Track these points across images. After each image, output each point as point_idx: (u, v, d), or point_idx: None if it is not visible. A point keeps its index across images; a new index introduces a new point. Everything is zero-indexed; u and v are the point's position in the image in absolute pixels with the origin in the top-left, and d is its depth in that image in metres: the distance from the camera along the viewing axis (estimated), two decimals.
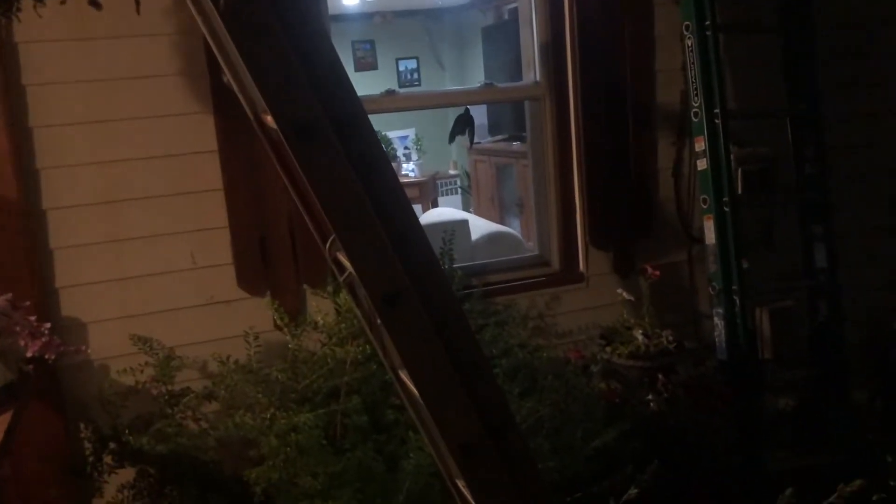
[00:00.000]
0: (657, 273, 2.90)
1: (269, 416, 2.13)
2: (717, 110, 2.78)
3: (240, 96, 1.48)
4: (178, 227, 2.69)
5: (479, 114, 7.09)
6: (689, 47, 2.83)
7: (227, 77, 1.46)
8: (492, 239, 3.78)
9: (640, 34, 3.11)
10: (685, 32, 2.84)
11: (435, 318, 1.32)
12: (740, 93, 3.26)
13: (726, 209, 2.78)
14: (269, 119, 1.32)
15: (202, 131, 2.64)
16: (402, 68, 8.59)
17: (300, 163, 1.19)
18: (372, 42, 8.45)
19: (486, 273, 3.12)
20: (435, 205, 7.53)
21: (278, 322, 2.60)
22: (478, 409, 1.40)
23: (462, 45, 8.45)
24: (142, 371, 2.55)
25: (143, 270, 2.69)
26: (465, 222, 3.59)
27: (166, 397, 2.58)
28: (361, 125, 1.26)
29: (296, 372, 2.30)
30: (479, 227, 3.95)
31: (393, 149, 8.10)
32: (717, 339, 2.86)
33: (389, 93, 2.99)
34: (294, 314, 2.77)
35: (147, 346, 2.57)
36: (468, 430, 1.39)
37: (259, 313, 2.75)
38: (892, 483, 3.02)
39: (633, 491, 2.10)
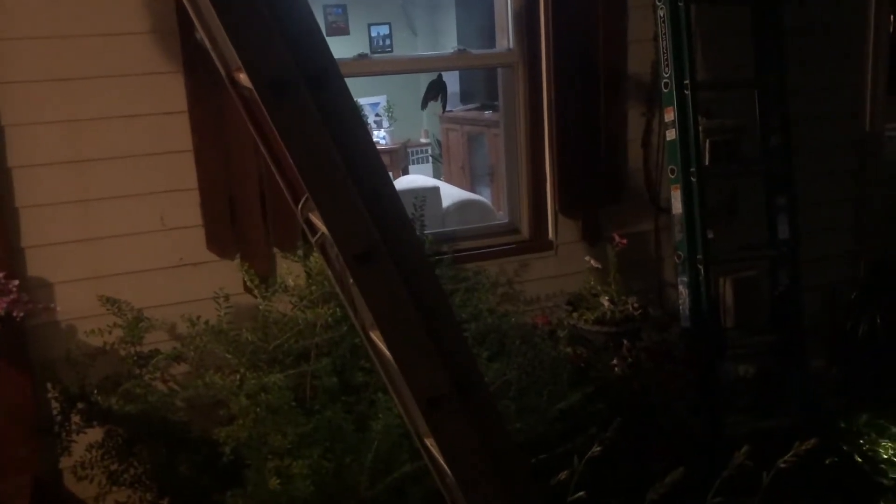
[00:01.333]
0: (624, 241, 2.95)
1: (239, 376, 2.14)
2: (686, 81, 2.81)
3: (212, 53, 1.47)
4: (146, 187, 2.67)
5: (452, 81, 7.07)
6: (660, 17, 2.85)
7: (200, 34, 1.45)
8: (462, 206, 3.80)
9: (614, 3, 3.12)
10: (657, 2, 2.86)
11: (406, 277, 1.34)
12: (709, 64, 3.30)
13: (693, 179, 2.83)
14: (242, 76, 1.32)
15: (172, 91, 2.62)
16: (374, 34, 8.50)
17: (273, 120, 1.19)
18: (344, 6, 8.34)
19: (456, 240, 3.14)
20: (406, 172, 7.51)
21: (248, 284, 2.60)
22: (446, 365, 1.43)
23: (435, 11, 8.39)
24: (110, 332, 2.54)
25: (111, 231, 2.67)
26: (436, 189, 3.61)
27: (135, 358, 2.58)
28: (334, 82, 1.26)
29: (266, 333, 2.32)
30: (451, 194, 3.97)
31: (364, 115, 8.04)
32: (681, 307, 2.92)
33: (361, 56, 2.98)
34: (264, 277, 2.77)
35: (115, 307, 2.56)
36: (436, 385, 1.42)
37: (229, 276, 2.75)
38: (844, 448, 3.13)
39: (597, 448, 2.15)
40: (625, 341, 2.66)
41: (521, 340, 2.55)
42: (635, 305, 2.79)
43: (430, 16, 8.47)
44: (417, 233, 2.81)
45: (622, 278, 3.14)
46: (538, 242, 3.26)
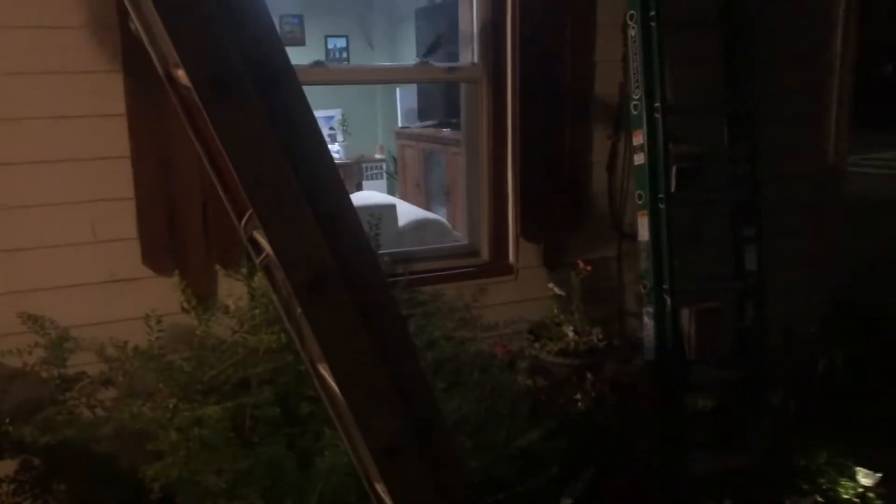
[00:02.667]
0: (589, 268, 2.82)
1: (170, 407, 1.94)
2: (657, 104, 2.71)
3: (149, 48, 1.29)
4: (77, 195, 2.46)
5: (410, 98, 6.93)
6: (631, 38, 2.75)
7: (135, 25, 1.27)
8: (419, 225, 3.65)
9: (583, 21, 3.02)
10: (629, 22, 2.75)
11: (363, 309, 1.18)
12: (678, 89, 3.21)
13: (661, 206, 2.72)
14: (181, 73, 1.14)
15: (109, 92, 2.41)
16: (330, 46, 8.31)
17: (213, 122, 1.02)
18: (301, 17, 8.15)
19: (413, 261, 2.98)
20: (359, 188, 7.33)
21: (185, 305, 2.39)
22: (404, 410, 1.27)
23: (394, 25, 8.25)
24: (30, 352, 2.32)
25: (36, 242, 2.44)
26: (392, 207, 3.45)
27: (58, 382, 2.35)
28: (289, 86, 1.10)
29: (202, 360, 2.12)
30: (407, 212, 3.81)
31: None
32: (644, 338, 2.80)
33: (317, 64, 2.81)
34: (204, 296, 2.57)
35: (37, 325, 2.34)
36: (393, 434, 1.26)
37: (165, 294, 2.54)
38: (803, 486, 3.05)
39: (568, 501, 2.02)
40: (588, 374, 2.52)
41: (479, 371, 2.39)
42: (600, 336, 2.67)
43: (390, 31, 8.33)
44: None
45: (584, 306, 3.03)
46: (498, 266, 3.12)
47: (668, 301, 2.72)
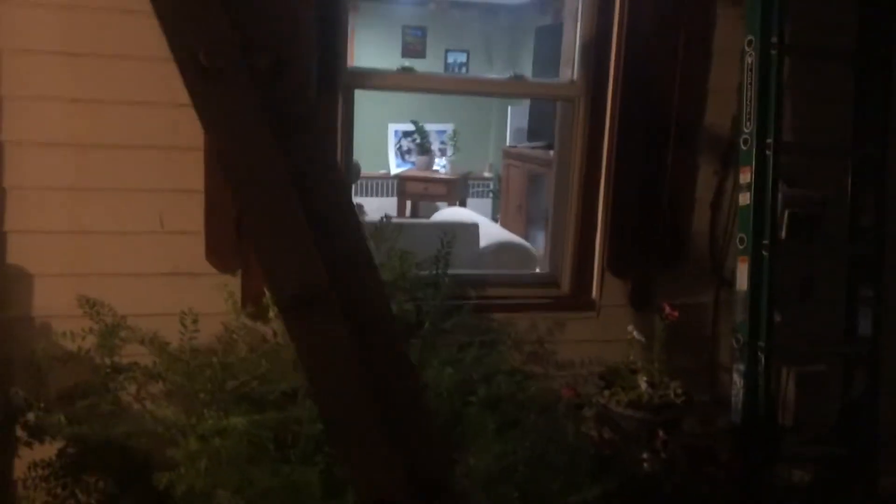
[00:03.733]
0: (675, 314, 2.56)
1: (198, 413, 1.84)
2: (769, 140, 2.44)
3: None
4: (149, 183, 2.42)
5: (521, 117, 6.76)
6: (748, 65, 2.49)
7: None
8: (501, 249, 3.46)
9: (697, 44, 2.77)
10: (746, 48, 2.49)
11: (357, 334, 1.02)
12: (799, 127, 2.90)
13: (765, 253, 2.44)
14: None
15: None
16: (450, 60, 8.29)
17: (195, 100, 0.89)
18: (423, 29, 8.17)
19: (485, 285, 2.80)
20: (463, 205, 7.21)
21: (229, 305, 2.30)
22: (406, 461, 1.09)
23: (515, 43, 8.13)
24: (83, 337, 2.28)
25: (104, 226, 2.42)
26: (474, 226, 3.28)
27: (108, 370, 2.31)
28: (292, 78, 0.95)
29: (241, 367, 2.01)
30: (492, 234, 3.63)
31: (428, 141, 7.80)
32: (733, 399, 2.51)
33: (405, 70, 2.69)
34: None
35: (94, 310, 2.30)
36: (388, 487, 1.08)
37: (227, 292, 2.46)
38: None
39: None
40: (660, 432, 2.26)
41: (538, 414, 2.18)
42: (678, 391, 2.39)
43: (509, 49, 8.21)
44: (438, 272, 2.48)
45: (668, 355, 2.76)
46: (579, 300, 2.89)
47: (763, 359, 2.42)
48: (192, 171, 2.42)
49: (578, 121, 2.80)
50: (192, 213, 2.45)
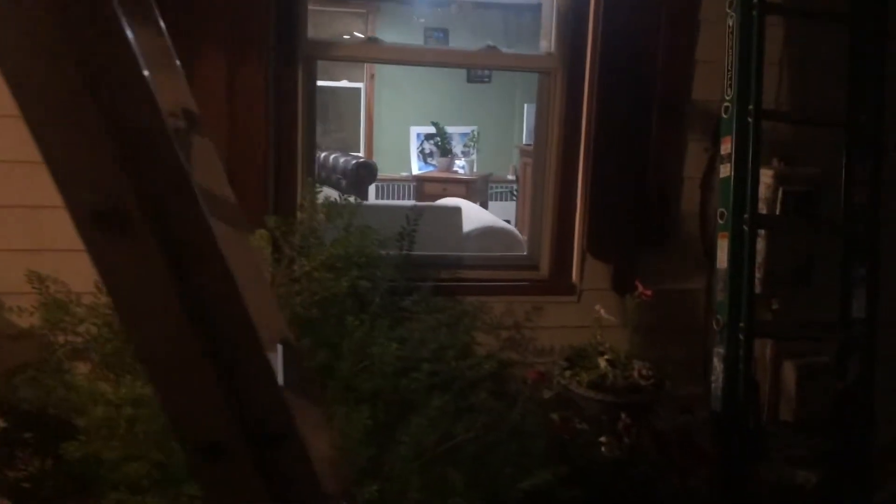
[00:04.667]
0: (649, 293, 2.40)
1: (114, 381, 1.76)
2: (751, 106, 2.27)
3: None
4: None
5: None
6: (729, 28, 2.34)
7: None
8: (487, 233, 3.32)
9: (682, 13, 2.62)
10: (728, 10, 2.34)
11: (175, 263, 0.91)
12: (796, 102, 2.73)
13: (745, 228, 2.27)
14: None
15: None
16: None
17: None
18: (445, 31, 8.09)
19: (459, 266, 2.68)
20: (485, 206, 7.08)
21: None
22: (239, 403, 0.98)
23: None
24: (31, 314, 2.23)
25: (56, 201, 2.35)
26: (457, 210, 3.16)
27: (60, 346, 2.25)
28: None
29: None
30: (479, 218, 3.50)
31: (449, 143, 7.72)
32: (713, 385, 2.34)
33: (371, 41, 2.59)
34: None
35: (43, 286, 2.25)
36: (215, 429, 0.98)
37: None
38: None
39: None
40: (623, 415, 2.10)
41: (492, 395, 2.05)
42: (645, 373, 2.23)
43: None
44: (402, 253, 2.37)
45: (658, 343, 2.61)
46: (558, 284, 2.75)
47: (743, 340, 2.25)
48: None
49: (556, 95, 2.67)
50: None
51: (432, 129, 7.77)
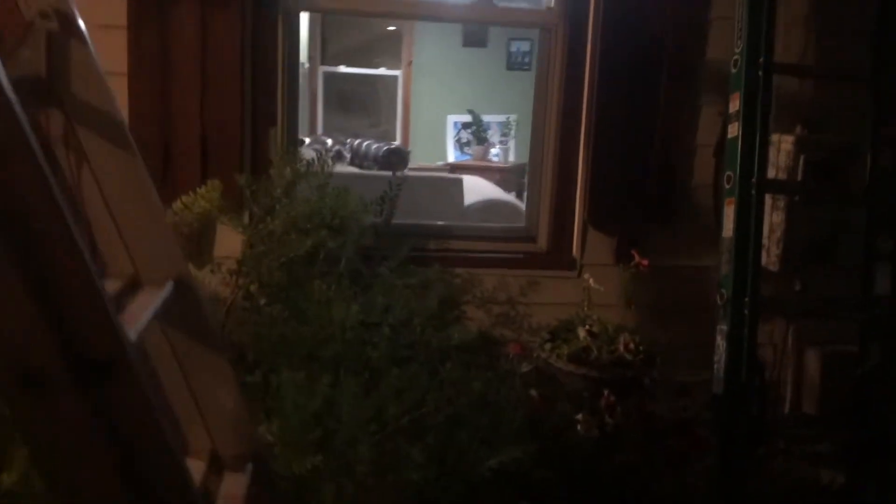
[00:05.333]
0: (646, 262, 2.20)
1: None
2: (761, 59, 2.06)
3: None
4: None
5: None
6: None
7: None
8: (489, 206, 3.14)
9: None
10: None
11: None
12: (821, 60, 2.50)
13: (753, 192, 2.06)
14: None
15: (112, 2, 2.21)
16: (513, 49, 8.00)
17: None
18: None
19: (448, 237, 2.52)
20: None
21: None
22: (61, 327, 0.85)
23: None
24: None
25: None
26: (458, 181, 2.99)
27: None
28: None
29: None
30: (483, 192, 3.32)
31: (484, 131, 7.55)
32: (715, 366, 2.13)
33: None
34: (197, 244, 2.30)
35: None
36: (34, 354, 0.85)
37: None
38: None
39: None
40: (606, 392, 1.91)
41: (462, 366, 1.88)
42: (632, 346, 2.03)
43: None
44: (378, 221, 2.23)
45: (654, 320, 2.41)
46: (557, 258, 2.57)
47: (748, 316, 2.03)
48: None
49: (556, 53, 2.49)
50: None
51: (469, 118, 7.61)
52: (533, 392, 1.96)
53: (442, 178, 3.06)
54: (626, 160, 2.48)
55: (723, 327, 2.11)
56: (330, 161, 2.23)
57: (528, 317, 2.56)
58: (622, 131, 2.47)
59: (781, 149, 2.46)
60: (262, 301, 2.10)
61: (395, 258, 2.19)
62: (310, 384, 1.80)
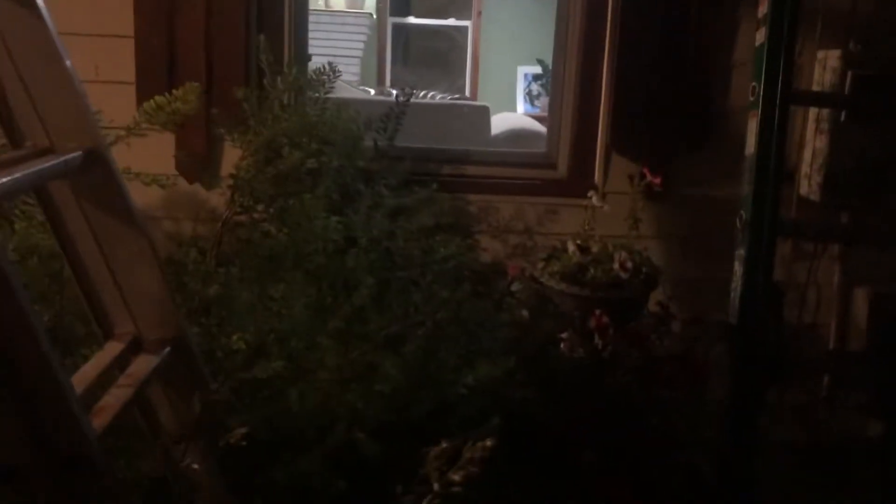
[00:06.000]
0: (658, 181, 2.03)
1: None
2: None
3: None
4: (81, 26, 2.27)
5: None
6: None
7: None
8: (516, 135, 2.98)
9: None
10: None
11: None
12: None
13: (776, 103, 1.86)
14: None
15: None
16: None
17: None
18: None
19: (458, 161, 2.41)
20: None
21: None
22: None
23: None
24: None
25: None
26: (484, 109, 2.86)
27: None
28: None
29: None
30: (511, 122, 3.18)
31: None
32: (731, 294, 1.96)
33: None
34: (203, 160, 2.29)
35: None
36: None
37: (161, 150, 2.28)
38: None
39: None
40: (597, 313, 1.78)
41: (457, 284, 1.79)
42: (629, 265, 1.87)
43: None
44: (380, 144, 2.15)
45: (679, 253, 2.26)
46: (578, 185, 2.41)
47: (766, 240, 1.85)
48: (121, 13, 2.26)
49: None
50: (124, 62, 2.28)
51: (539, 69, 7.39)
52: (524, 312, 1.84)
53: (467, 106, 2.95)
54: (656, 78, 2.30)
55: (740, 252, 1.93)
56: (332, 75, 2.15)
57: (545, 248, 2.43)
58: (651, 46, 2.29)
59: (827, 66, 2.24)
60: (255, 215, 2.06)
61: (394, 178, 2.10)
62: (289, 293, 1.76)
